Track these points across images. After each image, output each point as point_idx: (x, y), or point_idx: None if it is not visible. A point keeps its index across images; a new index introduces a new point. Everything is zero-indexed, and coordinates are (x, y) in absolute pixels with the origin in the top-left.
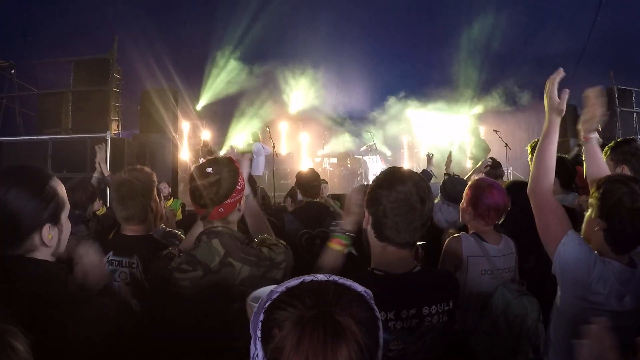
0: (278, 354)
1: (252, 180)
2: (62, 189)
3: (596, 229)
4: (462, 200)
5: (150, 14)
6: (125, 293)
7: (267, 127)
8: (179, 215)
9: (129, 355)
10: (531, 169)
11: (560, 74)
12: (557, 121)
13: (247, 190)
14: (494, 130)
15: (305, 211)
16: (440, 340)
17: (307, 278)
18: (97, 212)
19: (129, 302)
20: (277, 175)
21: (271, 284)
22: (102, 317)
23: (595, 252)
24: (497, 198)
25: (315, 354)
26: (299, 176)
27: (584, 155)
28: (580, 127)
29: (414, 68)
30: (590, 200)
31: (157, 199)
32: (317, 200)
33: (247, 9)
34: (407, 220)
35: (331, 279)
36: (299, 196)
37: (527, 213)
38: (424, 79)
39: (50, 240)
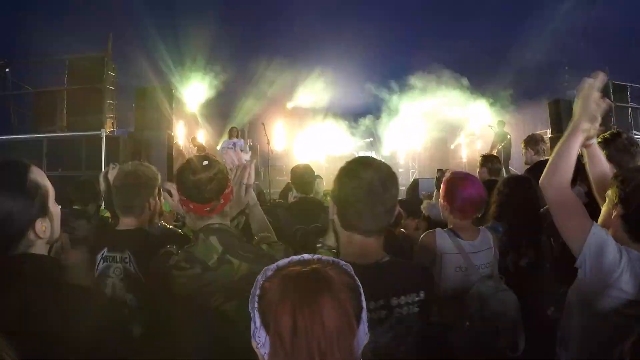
0: (268, 310)
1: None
2: (43, 178)
3: (613, 215)
4: (440, 196)
5: (145, 11)
6: (120, 289)
7: (263, 123)
8: None
9: (127, 351)
10: (548, 165)
11: (601, 78)
12: (586, 127)
13: (255, 199)
14: (488, 126)
15: (300, 207)
16: (411, 331)
17: (295, 257)
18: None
19: (122, 297)
20: (273, 172)
21: None
22: (100, 306)
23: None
24: (472, 191)
25: (300, 301)
26: (294, 172)
27: (584, 159)
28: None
29: (412, 63)
30: (608, 192)
31: (157, 198)
32: (312, 196)
33: (243, 6)
34: (368, 206)
35: (316, 256)
36: (294, 192)
37: (524, 207)
38: (424, 75)
39: (44, 232)
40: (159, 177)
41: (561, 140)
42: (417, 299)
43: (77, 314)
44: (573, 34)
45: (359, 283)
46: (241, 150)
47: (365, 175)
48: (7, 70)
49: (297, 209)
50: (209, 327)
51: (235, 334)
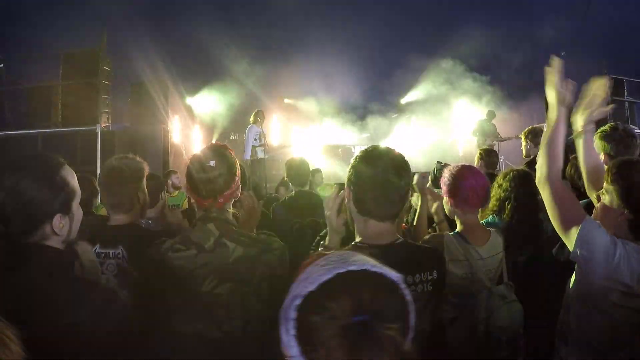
0: (312, 350)
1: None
2: (73, 178)
3: (620, 218)
4: (443, 193)
5: (140, 4)
6: (114, 285)
7: (259, 118)
8: (185, 206)
9: (127, 336)
10: (539, 161)
11: (558, 63)
12: (565, 112)
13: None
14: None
15: (296, 201)
16: (426, 310)
17: (341, 270)
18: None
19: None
20: (269, 166)
21: (266, 268)
22: (110, 300)
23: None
24: (472, 180)
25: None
26: (289, 166)
27: (577, 146)
28: (576, 117)
29: (410, 58)
30: (609, 186)
31: (146, 190)
32: (308, 189)
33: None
34: (384, 192)
35: (363, 268)
36: (290, 186)
37: (525, 202)
38: (421, 70)
39: (61, 230)
40: (146, 168)
41: (547, 133)
42: (430, 277)
43: (84, 306)
44: (570, 28)
45: (409, 297)
46: (262, 142)
47: (382, 163)
48: (1, 65)
49: (293, 203)
50: (204, 309)
51: (229, 317)
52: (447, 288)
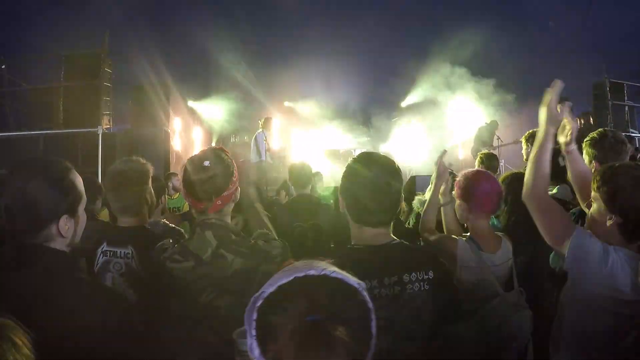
0: (272, 351)
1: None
2: (80, 182)
3: (609, 223)
4: (456, 196)
5: (141, 7)
6: (120, 284)
7: (260, 120)
8: (186, 208)
9: (131, 336)
10: (526, 176)
11: (559, 85)
12: (553, 132)
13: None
14: (485, 123)
15: (297, 204)
16: (424, 310)
17: (299, 274)
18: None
19: (123, 292)
20: (269, 169)
21: (265, 277)
22: (114, 301)
23: (605, 242)
24: (487, 185)
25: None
26: (291, 169)
27: (567, 163)
28: (559, 140)
29: (411, 61)
30: (596, 194)
31: (152, 191)
32: (309, 192)
33: (239, 3)
34: (375, 201)
35: (323, 273)
36: (292, 189)
37: (522, 204)
38: (422, 73)
39: (66, 232)
40: (151, 170)
41: (535, 151)
42: (426, 277)
43: (88, 308)
44: (570, 32)
45: (370, 305)
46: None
47: (371, 172)
48: (2, 67)
49: (294, 206)
50: (202, 318)
51: (227, 327)
52: (459, 294)
